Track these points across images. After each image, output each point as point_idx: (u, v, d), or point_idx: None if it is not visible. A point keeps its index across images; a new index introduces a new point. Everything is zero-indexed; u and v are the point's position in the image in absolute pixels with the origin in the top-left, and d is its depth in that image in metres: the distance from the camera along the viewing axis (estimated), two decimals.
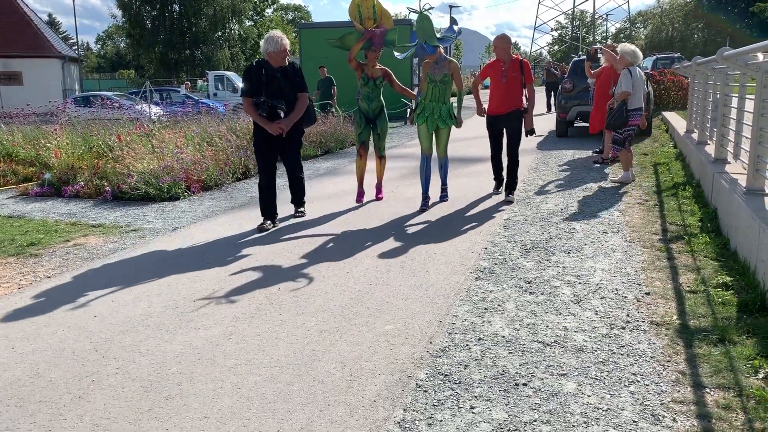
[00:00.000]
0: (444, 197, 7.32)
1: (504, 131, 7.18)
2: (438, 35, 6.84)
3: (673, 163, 9.25)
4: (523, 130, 7.05)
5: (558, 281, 4.45)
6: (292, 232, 6.07)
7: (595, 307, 3.94)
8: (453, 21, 7.36)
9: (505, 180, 7.34)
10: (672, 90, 18.40)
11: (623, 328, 3.61)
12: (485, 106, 7.28)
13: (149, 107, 19.73)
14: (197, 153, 9.40)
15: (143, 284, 4.63)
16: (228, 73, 29.80)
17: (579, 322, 3.71)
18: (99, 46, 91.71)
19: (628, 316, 3.79)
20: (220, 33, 50.03)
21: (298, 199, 6.75)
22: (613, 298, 4.10)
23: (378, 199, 7.50)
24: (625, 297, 4.10)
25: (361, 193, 7.35)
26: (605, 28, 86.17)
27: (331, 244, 5.62)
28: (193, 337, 3.64)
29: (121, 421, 2.76)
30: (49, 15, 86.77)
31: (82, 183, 8.36)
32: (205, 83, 29.98)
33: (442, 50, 6.81)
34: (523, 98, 7.03)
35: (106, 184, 8.16)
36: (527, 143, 12.52)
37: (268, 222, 6.27)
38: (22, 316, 4.06)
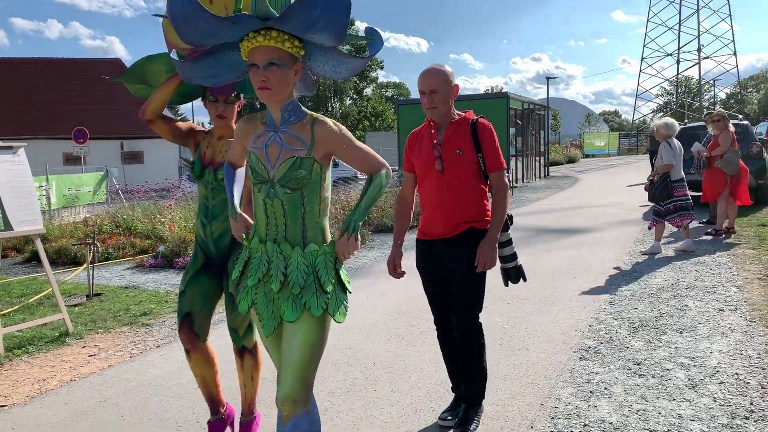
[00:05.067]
0: None
1: (449, 273, 3.28)
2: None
3: None
4: (485, 267, 3.11)
5: (670, 363, 4.15)
6: (387, 302, 6.06)
7: (713, 393, 3.63)
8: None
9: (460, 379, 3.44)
10: None
11: (746, 419, 3.29)
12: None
13: None
14: None
15: None
16: None
17: (695, 410, 3.42)
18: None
19: (751, 404, 3.46)
20: (322, 111, 52.78)
21: None
22: (733, 383, 3.76)
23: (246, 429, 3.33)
24: (748, 383, 3.76)
25: (220, 421, 3.27)
26: (713, 93, 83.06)
27: (427, 318, 5.55)
28: None
29: None
30: None
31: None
32: None
33: (296, 93, 2.39)
34: (486, 202, 3.25)
35: None
36: (619, 215, 12.04)
37: None
38: (132, 385, 4.24)
